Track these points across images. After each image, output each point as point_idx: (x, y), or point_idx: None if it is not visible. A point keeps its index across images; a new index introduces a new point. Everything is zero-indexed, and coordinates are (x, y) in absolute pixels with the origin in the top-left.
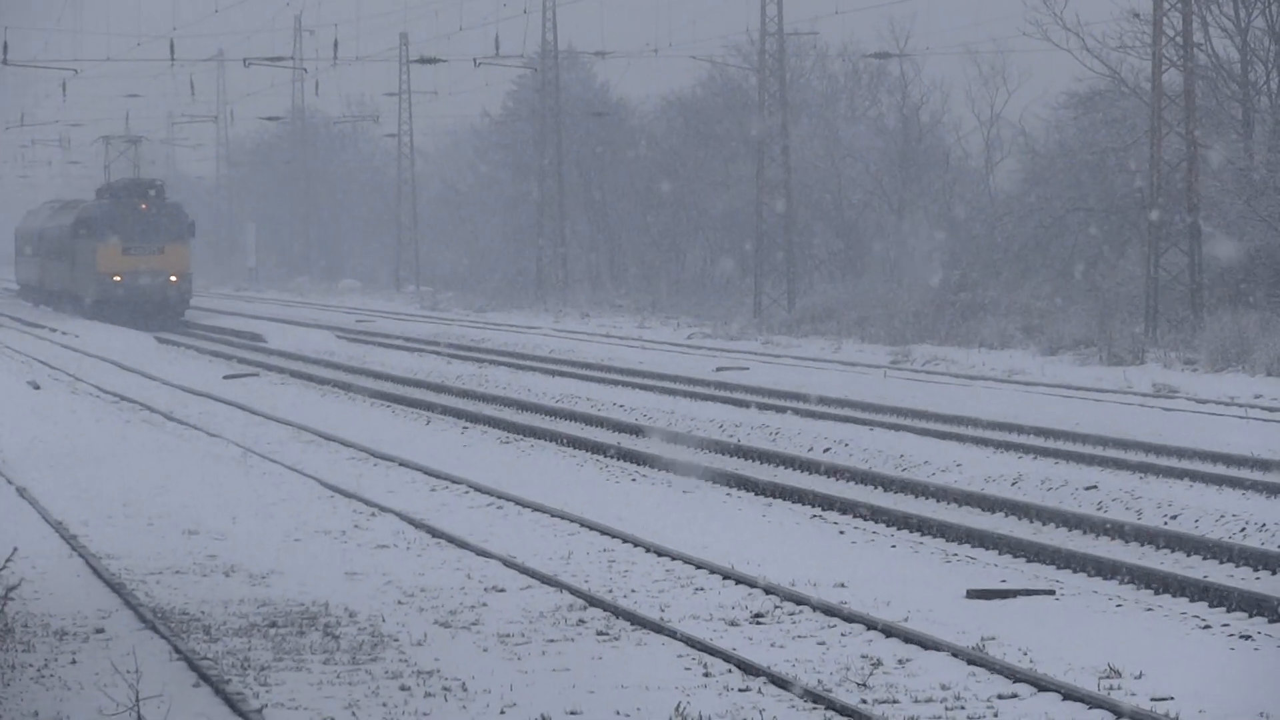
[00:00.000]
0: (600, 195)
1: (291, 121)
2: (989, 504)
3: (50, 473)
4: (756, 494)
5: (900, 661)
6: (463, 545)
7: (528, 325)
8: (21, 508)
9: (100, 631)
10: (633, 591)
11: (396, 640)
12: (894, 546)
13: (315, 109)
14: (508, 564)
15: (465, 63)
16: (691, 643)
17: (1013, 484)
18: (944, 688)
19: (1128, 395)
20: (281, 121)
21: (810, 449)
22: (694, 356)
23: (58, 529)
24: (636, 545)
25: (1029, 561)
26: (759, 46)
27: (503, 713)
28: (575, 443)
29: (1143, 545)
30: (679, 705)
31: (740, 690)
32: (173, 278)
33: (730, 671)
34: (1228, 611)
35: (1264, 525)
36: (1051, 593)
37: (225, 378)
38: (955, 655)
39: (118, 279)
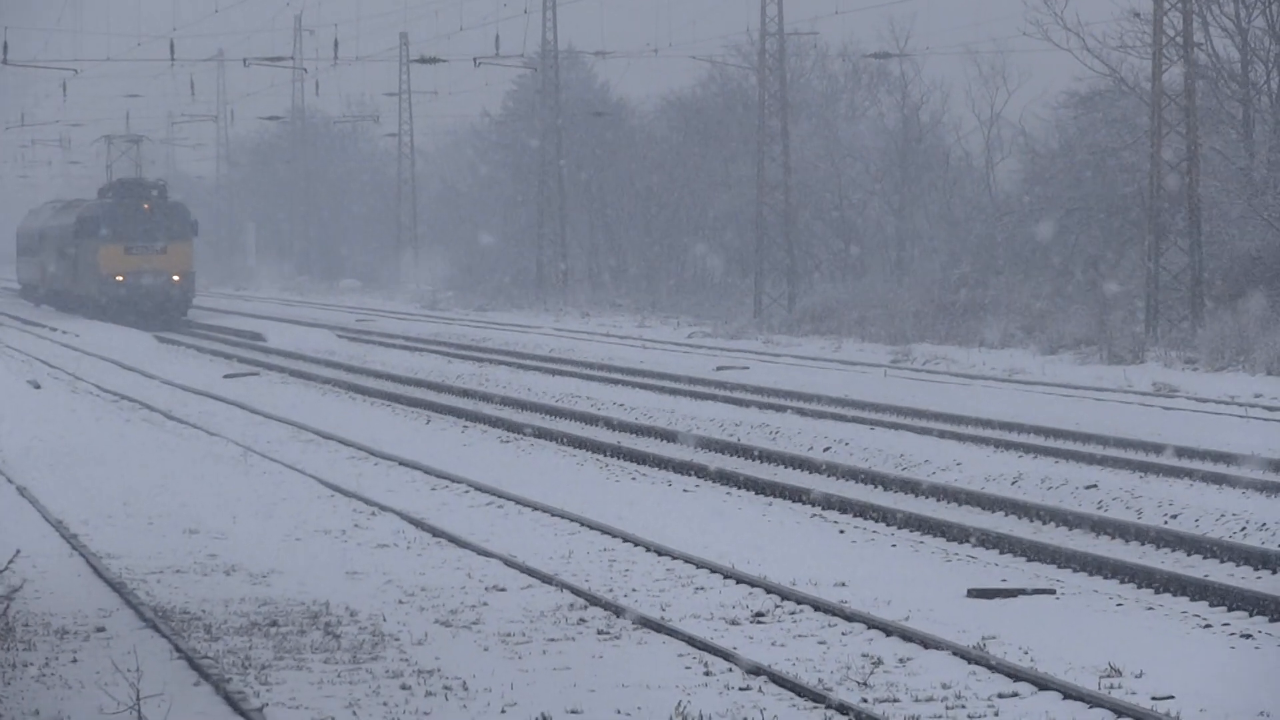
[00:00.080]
0: (600, 195)
1: (291, 121)
2: (989, 503)
3: (50, 472)
4: (757, 493)
5: (901, 660)
6: (463, 544)
7: (528, 325)
8: (22, 507)
9: (101, 630)
10: (633, 591)
11: (397, 639)
12: (894, 546)
13: (315, 109)
14: (508, 563)
15: (465, 62)
16: (692, 642)
17: (1013, 483)
18: (945, 687)
19: (1128, 394)
20: (281, 121)
21: (810, 448)
22: (694, 356)
23: (58, 528)
24: (637, 544)
25: (1029, 561)
26: (759, 46)
27: (503, 711)
28: (576, 442)
29: (1143, 544)
30: (679, 704)
31: (741, 689)
32: (175, 277)
33: (731, 670)
34: (1228, 611)
35: (1264, 524)
36: (1052, 592)
37: (225, 377)
38: (956, 654)
39: (120, 279)
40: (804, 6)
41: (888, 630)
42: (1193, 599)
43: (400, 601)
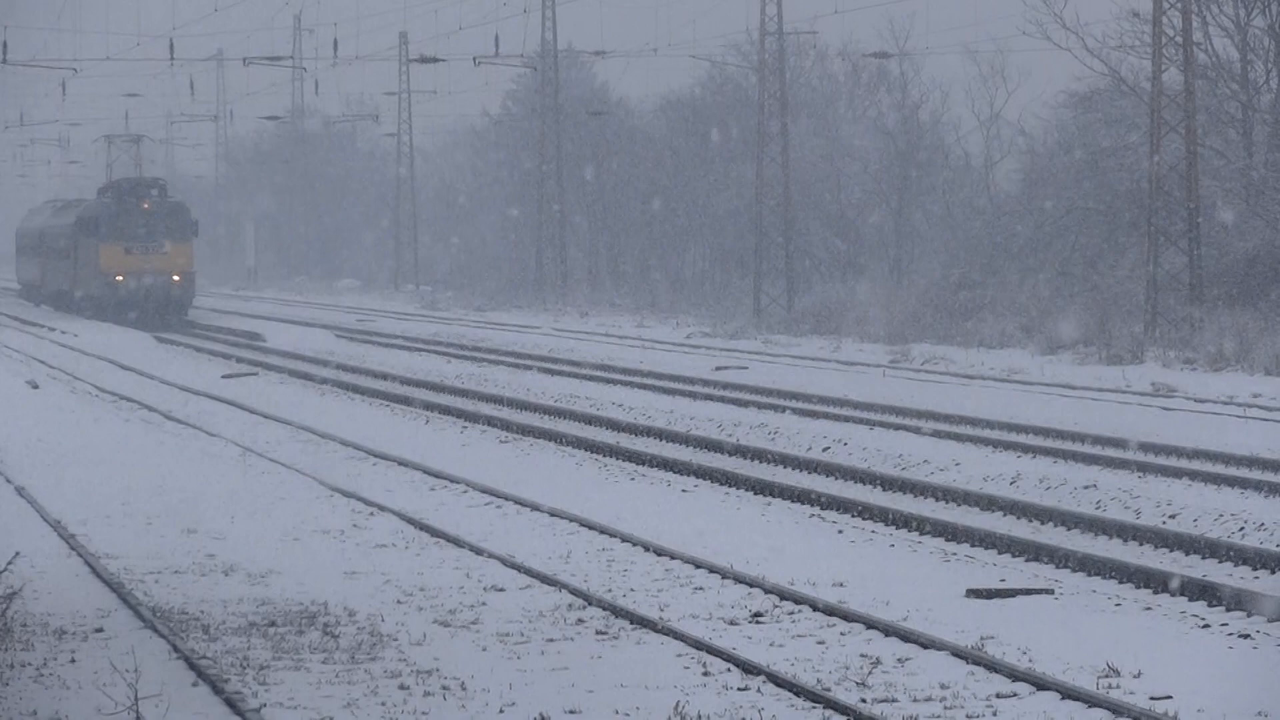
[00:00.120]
0: (599, 195)
1: (291, 121)
2: (988, 503)
3: (49, 472)
4: (755, 493)
5: (899, 660)
6: (462, 544)
7: (527, 325)
8: (20, 507)
9: (99, 631)
10: (632, 590)
11: (395, 639)
12: (893, 546)
13: (315, 108)
14: (507, 563)
15: (465, 62)
16: (691, 641)
17: (1011, 483)
18: (943, 686)
19: (1126, 394)
20: (281, 121)
21: (809, 448)
22: (693, 356)
23: (56, 528)
24: (635, 544)
25: (1028, 560)
26: (758, 46)
27: (502, 711)
28: (574, 442)
29: (1141, 544)
30: (678, 704)
31: (739, 689)
32: (176, 277)
33: (729, 670)
34: (1226, 610)
35: (1262, 524)
36: (1050, 592)
37: (224, 377)
38: (954, 654)
39: (120, 278)
40: (803, 6)
41: (886, 630)
42: (1191, 599)
43: (399, 601)
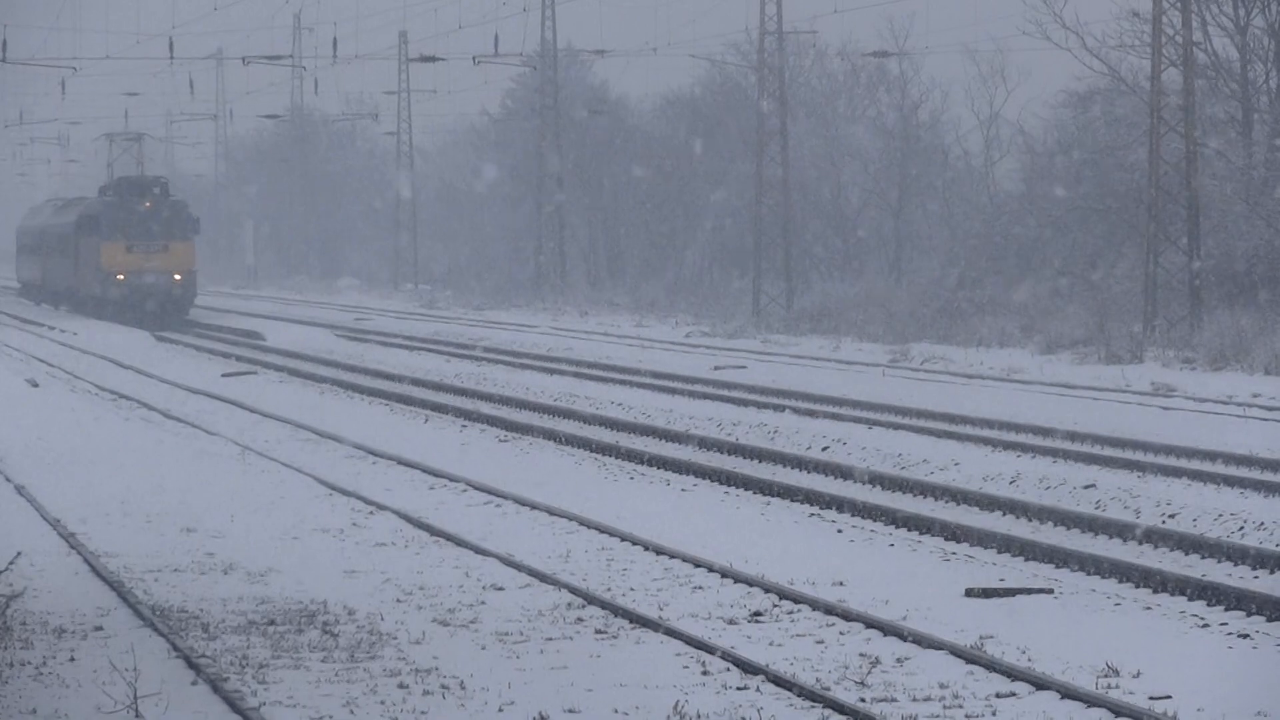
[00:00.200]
0: (599, 193)
1: (291, 120)
2: (987, 502)
3: (48, 471)
4: (755, 492)
5: (899, 660)
6: (461, 543)
7: (526, 324)
8: (20, 506)
9: (99, 629)
10: (631, 590)
11: (395, 638)
12: (892, 545)
13: (314, 107)
14: (506, 562)
15: (464, 61)
16: (690, 641)
17: (1011, 482)
18: (942, 686)
19: (1126, 394)
20: (281, 120)
21: (808, 448)
22: (692, 355)
23: (56, 527)
24: (635, 544)
25: (1027, 560)
26: (758, 45)
27: (501, 710)
28: (574, 441)
29: (1140, 544)
30: (677, 703)
31: (738, 688)
32: (177, 276)
33: (729, 670)
34: (1226, 610)
35: (1262, 524)
36: (1050, 591)
37: (223, 376)
38: (954, 654)
39: (121, 277)
40: (803, 5)
41: (885, 630)
42: (1190, 598)
43: (398, 600)
